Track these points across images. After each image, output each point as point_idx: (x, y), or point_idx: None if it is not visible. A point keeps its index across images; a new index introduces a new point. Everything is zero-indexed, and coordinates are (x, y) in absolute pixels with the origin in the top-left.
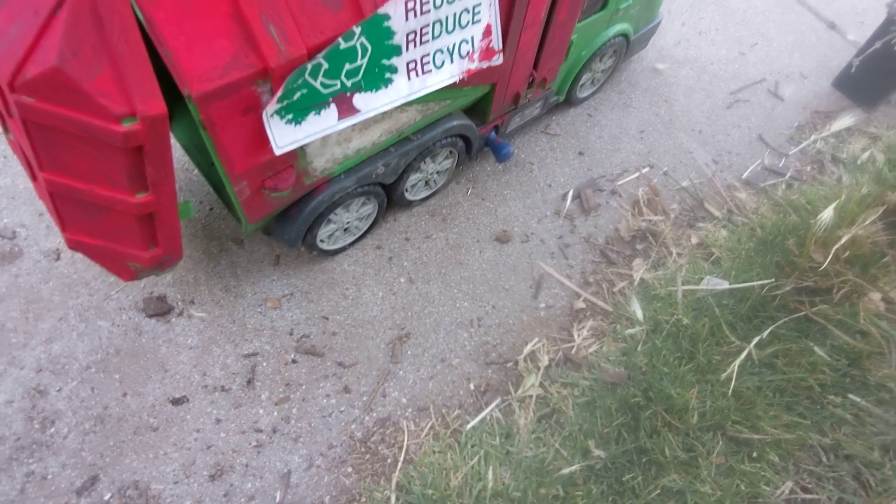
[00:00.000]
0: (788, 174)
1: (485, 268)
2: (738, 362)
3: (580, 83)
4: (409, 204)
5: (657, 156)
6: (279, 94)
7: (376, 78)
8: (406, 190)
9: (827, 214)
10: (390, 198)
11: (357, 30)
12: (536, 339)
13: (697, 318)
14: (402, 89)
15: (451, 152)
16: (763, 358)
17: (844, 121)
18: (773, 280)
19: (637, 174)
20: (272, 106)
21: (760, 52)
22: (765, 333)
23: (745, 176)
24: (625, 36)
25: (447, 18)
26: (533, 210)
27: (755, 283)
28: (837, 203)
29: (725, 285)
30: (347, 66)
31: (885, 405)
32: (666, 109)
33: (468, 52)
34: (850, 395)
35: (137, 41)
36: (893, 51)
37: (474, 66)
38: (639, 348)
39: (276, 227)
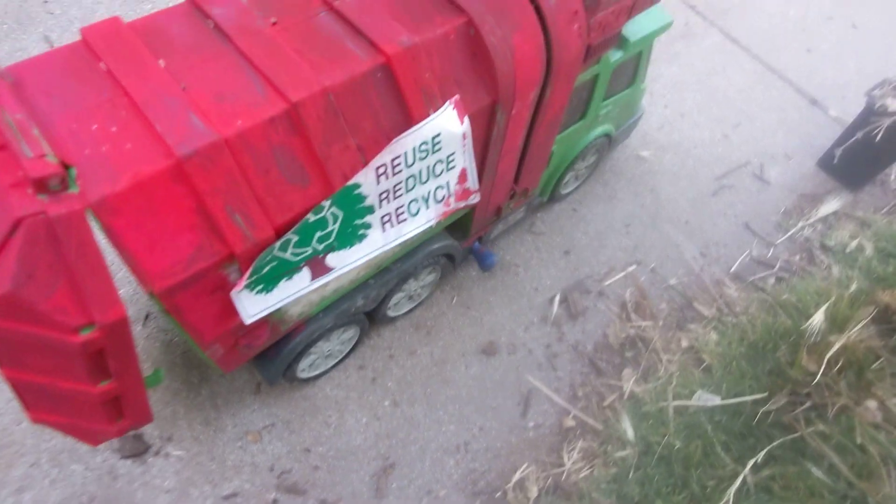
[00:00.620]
0: (777, 266)
1: (471, 385)
2: (733, 490)
3: (564, 181)
4: (393, 319)
5: (644, 251)
6: (248, 273)
7: (350, 236)
8: (389, 308)
9: (818, 319)
10: (372, 318)
11: (326, 203)
12: (525, 465)
13: (689, 438)
14: (377, 241)
15: (434, 268)
16: (759, 481)
17: (831, 205)
18: (765, 394)
19: (623, 273)
20: (241, 284)
21: (744, 132)
22: (759, 456)
23: (733, 269)
24: (607, 135)
25: (420, 172)
26: (519, 317)
27: (748, 399)
28: (828, 305)
29: (717, 401)
30: (318, 234)
31: None
32: (651, 200)
33: (444, 197)
34: None
35: (95, 253)
36: (875, 141)
37: (451, 208)
38: (630, 475)
39: (255, 364)
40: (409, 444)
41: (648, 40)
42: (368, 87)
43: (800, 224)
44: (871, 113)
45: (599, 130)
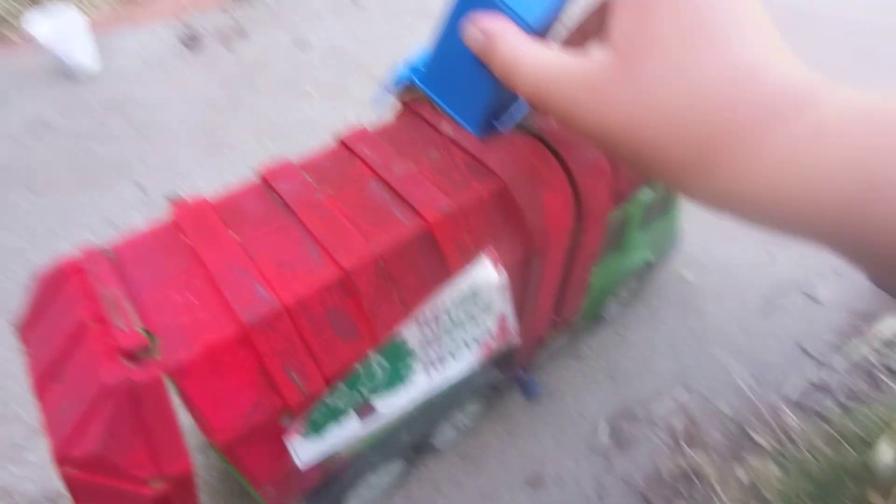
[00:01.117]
0: (837, 391)
1: None
2: None
3: (605, 306)
4: (439, 449)
5: (692, 375)
6: (301, 421)
7: (395, 381)
8: (434, 439)
9: (885, 455)
10: (418, 449)
11: (374, 354)
12: None
13: None
14: (421, 384)
15: (479, 398)
16: None
17: (890, 323)
18: None
19: (672, 399)
20: (294, 432)
21: (789, 250)
22: None
23: (789, 395)
24: (646, 262)
25: (461, 320)
26: (566, 446)
27: None
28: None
29: None
30: (366, 382)
31: None
32: (697, 321)
33: (485, 340)
34: None
35: (170, 413)
36: None
37: (492, 349)
38: None
39: (305, 499)
40: None
41: None
42: (413, 249)
43: (858, 344)
44: None
45: (638, 258)
